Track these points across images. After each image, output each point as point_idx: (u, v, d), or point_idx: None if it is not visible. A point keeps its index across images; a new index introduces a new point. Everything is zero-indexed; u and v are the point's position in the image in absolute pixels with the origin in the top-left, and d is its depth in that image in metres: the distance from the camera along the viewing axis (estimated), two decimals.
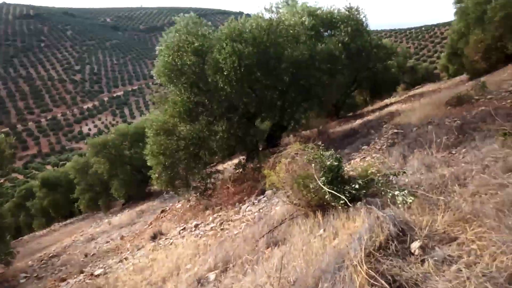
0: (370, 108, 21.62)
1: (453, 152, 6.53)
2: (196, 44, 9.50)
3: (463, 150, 6.39)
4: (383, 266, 3.36)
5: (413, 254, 3.54)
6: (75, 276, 9.44)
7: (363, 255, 3.37)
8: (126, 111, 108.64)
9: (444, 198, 4.42)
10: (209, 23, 11.03)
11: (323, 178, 5.06)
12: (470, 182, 4.77)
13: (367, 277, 3.09)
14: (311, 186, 5.06)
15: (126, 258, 9.05)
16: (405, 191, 4.58)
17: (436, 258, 3.34)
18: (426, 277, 3.18)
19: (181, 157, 9.87)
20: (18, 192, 37.98)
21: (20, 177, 72.44)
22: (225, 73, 8.93)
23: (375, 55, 18.35)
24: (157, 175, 10.16)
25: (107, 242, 13.40)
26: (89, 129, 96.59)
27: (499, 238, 3.25)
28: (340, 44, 12.85)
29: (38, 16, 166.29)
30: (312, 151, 5.43)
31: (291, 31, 10.71)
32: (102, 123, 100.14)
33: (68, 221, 27.37)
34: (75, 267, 10.90)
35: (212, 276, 5.33)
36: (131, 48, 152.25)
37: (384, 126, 10.83)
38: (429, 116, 9.76)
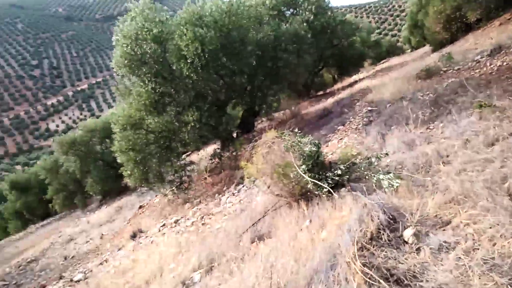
0: (339, 85, 21.55)
1: (431, 127, 6.40)
2: (155, 31, 8.92)
3: (441, 124, 6.25)
4: (377, 259, 3.15)
5: (407, 242, 3.34)
6: (55, 282, 8.95)
7: (355, 250, 3.15)
8: (93, 104, 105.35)
9: (431, 179, 4.25)
10: (165, 7, 10.41)
11: (303, 166, 4.80)
12: (454, 159, 4.62)
13: (363, 276, 2.86)
14: (291, 176, 4.80)
15: (106, 260, 8.62)
16: (391, 174, 4.38)
17: (432, 246, 3.16)
18: (424, 267, 2.99)
19: (152, 151, 9.39)
20: None
21: None
22: (189, 61, 8.44)
23: (340, 31, 18.15)
24: (129, 172, 9.66)
25: (87, 242, 12.88)
26: (57, 126, 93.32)
27: (496, 220, 3.08)
28: (304, 23, 12.51)
29: None
30: (289, 138, 5.15)
31: (253, 12, 10.26)
32: (70, 118, 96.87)
33: (44, 221, 26.32)
34: (55, 271, 10.39)
35: (197, 276, 5.04)
36: (90, 39, 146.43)
37: (357, 104, 10.68)
38: (401, 91, 9.66)
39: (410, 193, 4.10)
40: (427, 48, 23.28)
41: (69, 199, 23.60)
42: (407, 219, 3.60)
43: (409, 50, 35.16)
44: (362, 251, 3.27)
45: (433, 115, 7.08)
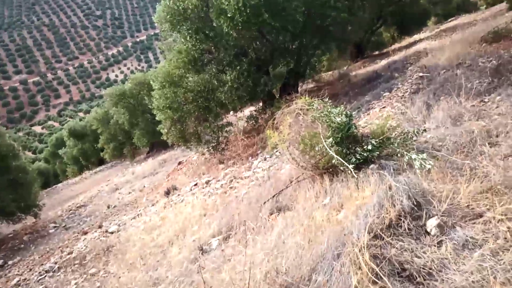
0: (397, 45, 20.13)
1: (486, 100, 5.71)
2: None
3: (498, 98, 5.56)
4: (391, 250, 2.88)
5: (429, 234, 3.03)
6: (94, 230, 9.55)
7: (365, 240, 2.88)
8: (151, 55, 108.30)
9: (470, 162, 3.78)
10: None
11: (331, 138, 4.46)
12: (503, 141, 4.08)
13: (367, 272, 2.61)
14: (316, 149, 4.50)
15: (139, 215, 9.00)
16: (424, 154, 3.95)
17: (456, 241, 2.83)
18: (442, 265, 2.69)
19: (190, 110, 9.36)
20: (51, 141, 39.36)
21: (56, 124, 75.41)
22: (229, 16, 8.07)
23: None
24: (166, 130, 9.78)
25: (129, 193, 13.55)
26: (116, 76, 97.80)
27: None
28: None
29: None
30: (318, 107, 4.80)
31: None
32: (128, 69, 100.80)
33: (98, 168, 28.21)
34: (97, 219, 11.10)
35: (215, 242, 5.07)
36: None
37: (410, 68, 9.87)
38: (460, 55, 8.72)
39: (444, 176, 3.68)
40: (504, 5, 20.85)
41: (119, 149, 24.85)
42: (434, 207, 3.24)
43: (484, 7, 31.78)
44: (376, 240, 3.00)
45: (491, 85, 6.33)
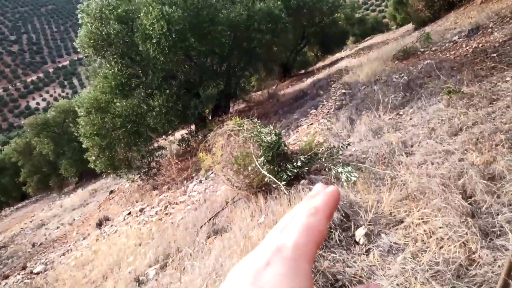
0: (321, 64, 21.25)
1: (401, 113, 6.22)
2: (120, 10, 8.43)
3: (410, 110, 6.08)
4: (324, 263, 3.00)
5: (358, 243, 3.19)
6: (18, 272, 8.73)
7: None
8: (76, 81, 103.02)
9: (391, 172, 4.08)
10: None
11: (263, 157, 4.58)
12: (417, 150, 4.46)
13: None
14: (250, 168, 4.58)
15: (69, 250, 8.40)
16: (350, 167, 4.20)
17: (381, 248, 3.01)
18: (371, 272, 2.85)
19: (119, 136, 9.02)
20: None
21: None
22: (154, 41, 8.01)
23: (318, 9, 17.67)
24: (94, 157, 9.30)
25: (57, 228, 12.60)
26: (37, 103, 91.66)
27: (446, 221, 2.94)
28: (279, 2, 12.04)
29: None
30: (248, 127, 4.91)
31: None
32: (51, 96, 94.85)
33: (20, 204, 25.86)
34: (21, 260, 10.14)
35: (151, 272, 4.87)
36: (71, 13, 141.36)
37: (333, 85, 10.45)
38: (376, 72, 9.44)
39: (368, 187, 3.93)
40: (410, 26, 22.97)
41: (44, 181, 23.01)
42: (361, 217, 3.44)
43: (394, 27, 34.76)
44: None
45: (404, 99, 6.90)
